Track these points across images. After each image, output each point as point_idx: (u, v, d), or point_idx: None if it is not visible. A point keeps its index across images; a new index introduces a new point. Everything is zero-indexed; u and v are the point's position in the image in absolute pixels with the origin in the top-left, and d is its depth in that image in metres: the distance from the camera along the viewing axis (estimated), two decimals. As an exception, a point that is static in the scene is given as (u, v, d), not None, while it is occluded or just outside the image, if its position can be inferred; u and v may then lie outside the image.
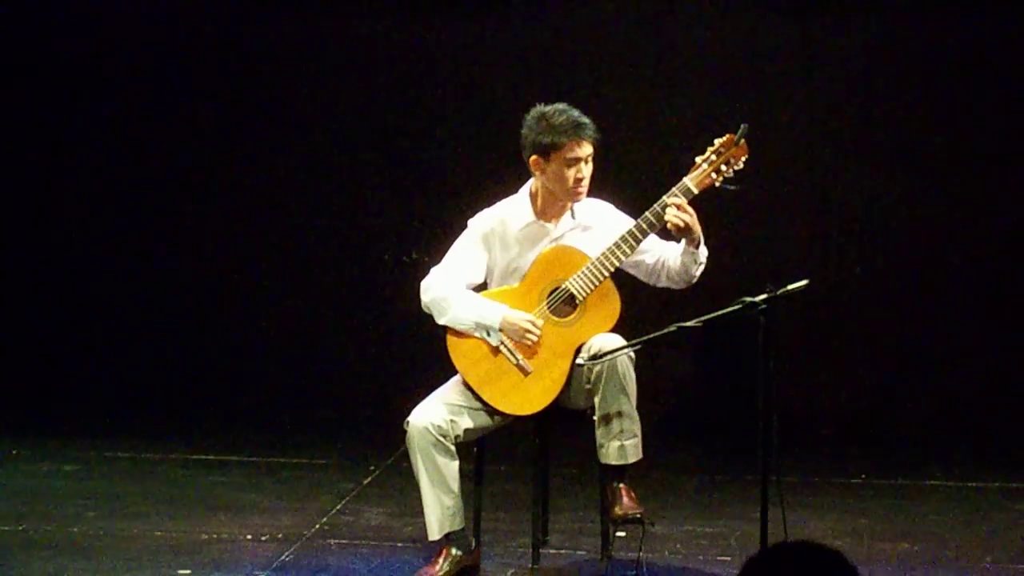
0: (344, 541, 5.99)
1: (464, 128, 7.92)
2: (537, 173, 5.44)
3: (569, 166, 5.37)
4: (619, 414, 5.25)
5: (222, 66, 8.10)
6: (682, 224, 5.27)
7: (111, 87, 8.17)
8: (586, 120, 5.40)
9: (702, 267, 5.43)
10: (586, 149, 5.39)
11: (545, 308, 5.37)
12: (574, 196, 5.42)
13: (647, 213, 5.32)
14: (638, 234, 5.32)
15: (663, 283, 5.50)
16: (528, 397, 5.36)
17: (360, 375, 8.03)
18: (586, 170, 5.40)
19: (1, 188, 8.30)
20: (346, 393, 7.99)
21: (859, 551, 5.75)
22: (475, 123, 7.87)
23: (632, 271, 5.50)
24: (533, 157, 5.42)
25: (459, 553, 5.39)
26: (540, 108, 5.45)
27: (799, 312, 7.45)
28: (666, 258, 5.44)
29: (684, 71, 7.77)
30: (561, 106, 5.43)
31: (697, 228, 5.32)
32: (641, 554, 5.52)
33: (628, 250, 5.32)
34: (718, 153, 5.37)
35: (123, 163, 8.19)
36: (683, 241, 5.36)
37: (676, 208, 5.27)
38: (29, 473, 6.99)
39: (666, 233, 5.41)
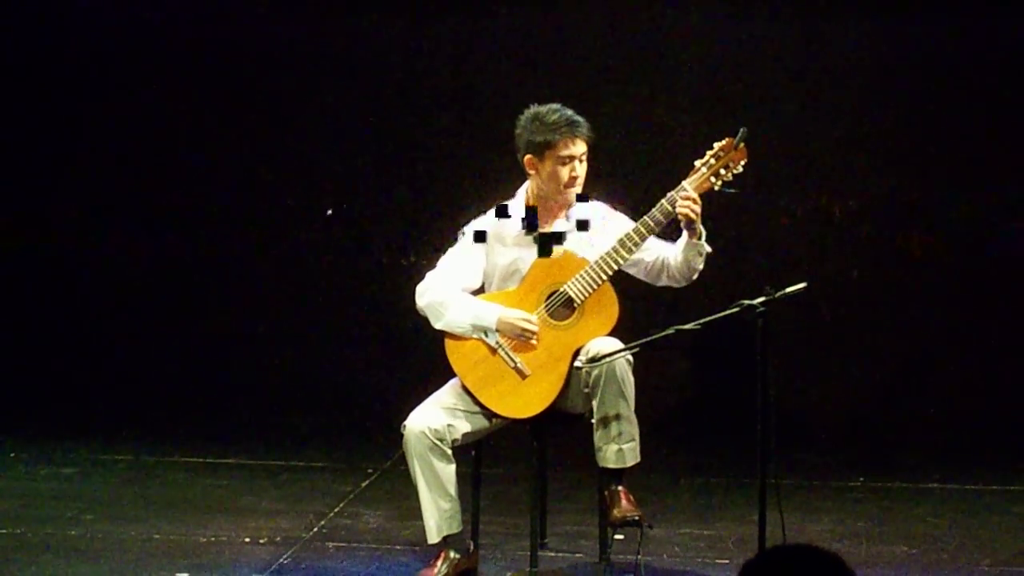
0: (342, 544, 5.98)
1: (462, 131, 7.91)
2: (532, 173, 5.44)
3: (563, 164, 5.38)
4: (617, 417, 5.24)
5: (217, 68, 8.08)
6: (693, 215, 5.28)
7: (110, 89, 8.15)
8: (580, 119, 5.40)
9: (703, 261, 5.42)
10: (580, 147, 5.39)
11: (543, 311, 5.36)
12: (567, 195, 5.42)
13: (647, 216, 5.31)
14: (638, 237, 5.31)
15: (663, 281, 5.50)
16: (525, 400, 5.35)
17: (357, 378, 8.01)
18: (580, 169, 5.40)
19: (1, 190, 8.30)
20: (344, 396, 7.98)
21: (857, 554, 5.75)
22: (473, 126, 7.86)
23: (631, 271, 5.48)
24: (527, 156, 5.42)
25: (457, 556, 5.39)
26: (534, 108, 5.46)
27: (797, 315, 7.44)
28: (666, 256, 5.44)
29: (681, 73, 7.76)
30: (555, 105, 5.44)
31: (699, 221, 5.33)
32: (639, 557, 5.52)
33: (627, 253, 5.31)
34: (717, 157, 5.36)
35: (121, 166, 8.18)
36: (684, 236, 5.37)
37: (687, 200, 5.28)
38: (27, 476, 6.99)
39: (663, 235, 5.41)
